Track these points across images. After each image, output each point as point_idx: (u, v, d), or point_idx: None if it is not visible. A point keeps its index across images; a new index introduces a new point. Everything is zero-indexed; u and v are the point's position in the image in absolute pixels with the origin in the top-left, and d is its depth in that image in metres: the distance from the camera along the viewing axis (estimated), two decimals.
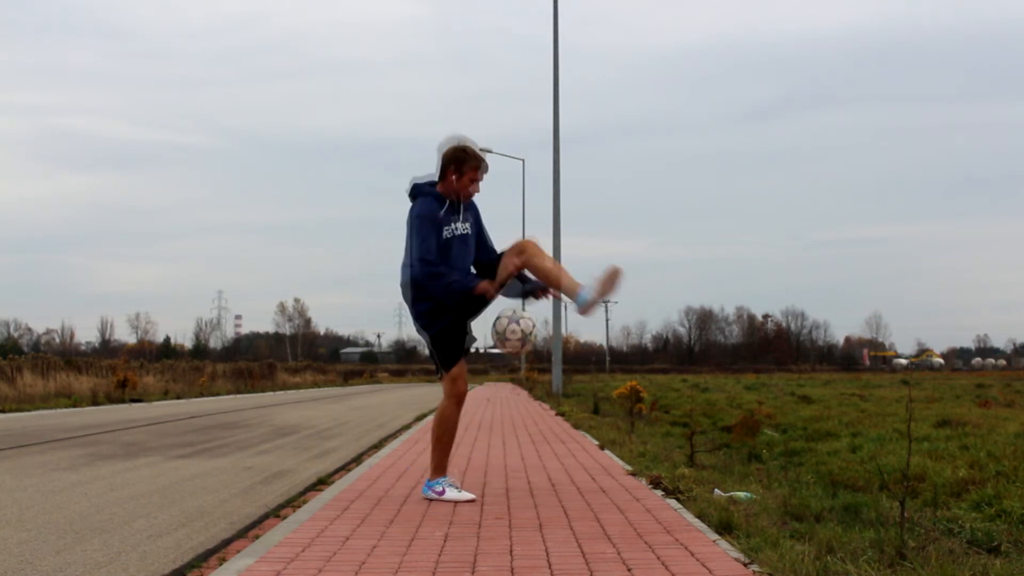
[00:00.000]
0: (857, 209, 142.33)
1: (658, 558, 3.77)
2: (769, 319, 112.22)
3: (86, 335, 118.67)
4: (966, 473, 7.71)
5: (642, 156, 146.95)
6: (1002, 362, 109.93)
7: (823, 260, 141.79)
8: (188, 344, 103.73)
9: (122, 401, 22.76)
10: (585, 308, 5.09)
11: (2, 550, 4.36)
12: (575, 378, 40.78)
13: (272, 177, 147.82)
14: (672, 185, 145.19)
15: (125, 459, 8.48)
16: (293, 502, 5.83)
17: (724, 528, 4.39)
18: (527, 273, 5.25)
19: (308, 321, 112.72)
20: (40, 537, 4.68)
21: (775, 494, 5.93)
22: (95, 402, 21.72)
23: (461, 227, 5.23)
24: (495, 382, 53.11)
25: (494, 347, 5.55)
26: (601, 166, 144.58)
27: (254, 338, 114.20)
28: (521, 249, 5.23)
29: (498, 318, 5.26)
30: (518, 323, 5.22)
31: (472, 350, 5.99)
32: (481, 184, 5.34)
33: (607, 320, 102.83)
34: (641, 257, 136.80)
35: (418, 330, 5.30)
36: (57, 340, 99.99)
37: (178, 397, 26.36)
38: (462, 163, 5.22)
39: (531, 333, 5.24)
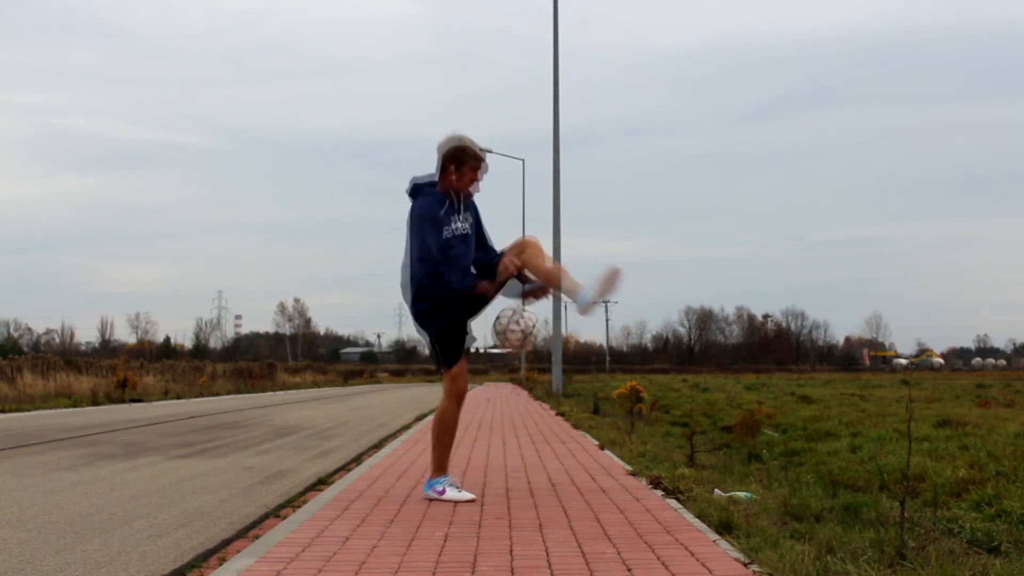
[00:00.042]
0: (857, 209, 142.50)
1: (658, 558, 3.77)
2: (769, 319, 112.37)
3: (86, 335, 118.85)
4: (966, 473, 7.71)
5: (642, 156, 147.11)
6: (1002, 362, 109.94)
7: (823, 260, 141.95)
8: (188, 344, 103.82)
9: (122, 401, 22.76)
10: (585, 308, 5.11)
11: (2, 550, 4.36)
12: (575, 378, 40.79)
13: (272, 177, 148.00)
14: (672, 185, 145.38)
15: (125, 459, 8.48)
16: (293, 502, 5.83)
17: (724, 528, 4.39)
18: (527, 273, 5.25)
19: (308, 321, 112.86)
20: (40, 537, 4.68)
21: (775, 494, 5.93)
22: (95, 402, 21.72)
23: (461, 226, 5.23)
24: (495, 382, 53.11)
25: (494, 347, 5.57)
26: (601, 166, 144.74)
27: (254, 338, 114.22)
28: (521, 249, 5.24)
29: (499, 316, 5.27)
30: (519, 320, 5.23)
31: (472, 350, 6.00)
32: (481, 184, 5.34)
33: (607, 320, 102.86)
34: (641, 257, 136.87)
35: (418, 329, 5.30)
36: (57, 340, 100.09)
37: (178, 397, 26.36)
38: (462, 160, 5.22)
39: (532, 331, 5.24)
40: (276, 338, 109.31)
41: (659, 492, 5.56)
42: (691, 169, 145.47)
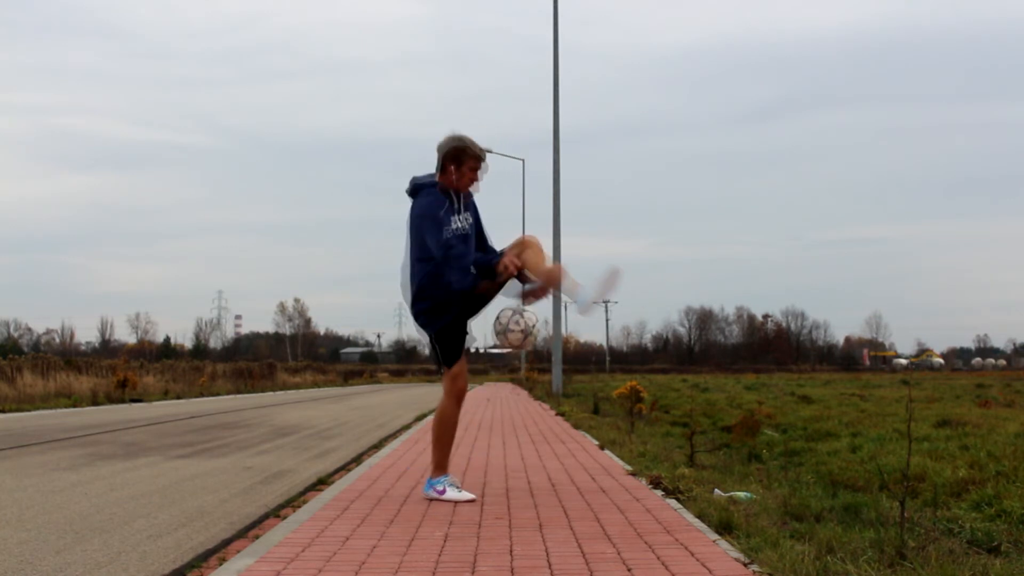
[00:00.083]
0: (857, 209, 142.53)
1: (658, 558, 3.77)
2: (769, 319, 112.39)
3: (86, 335, 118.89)
4: (966, 473, 7.71)
5: (642, 156, 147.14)
6: (1002, 362, 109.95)
7: (823, 260, 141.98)
8: (188, 344, 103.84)
9: (122, 401, 22.76)
10: (585, 308, 5.13)
11: (2, 550, 4.36)
12: (575, 378, 40.79)
13: (272, 177, 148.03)
14: (672, 185, 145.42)
15: (125, 459, 8.48)
16: (293, 502, 5.83)
17: (724, 528, 4.39)
18: (527, 273, 5.25)
19: (308, 321, 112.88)
20: (40, 537, 4.68)
21: (775, 494, 5.93)
22: (95, 402, 21.72)
23: (461, 226, 5.22)
24: (495, 382, 53.10)
25: (495, 346, 5.58)
26: (601, 166, 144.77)
27: (254, 338, 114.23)
28: (521, 248, 5.23)
29: (500, 315, 5.27)
30: (521, 318, 5.23)
31: (472, 350, 6.01)
32: (481, 184, 5.34)
33: (607, 320, 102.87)
34: (641, 257, 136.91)
35: (418, 329, 5.31)
36: (57, 340, 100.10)
37: (178, 397, 26.36)
38: (461, 159, 5.21)
39: (532, 330, 5.24)
40: (276, 338, 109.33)
41: (659, 492, 5.56)
42: (691, 169, 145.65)
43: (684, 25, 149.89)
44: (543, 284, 5.26)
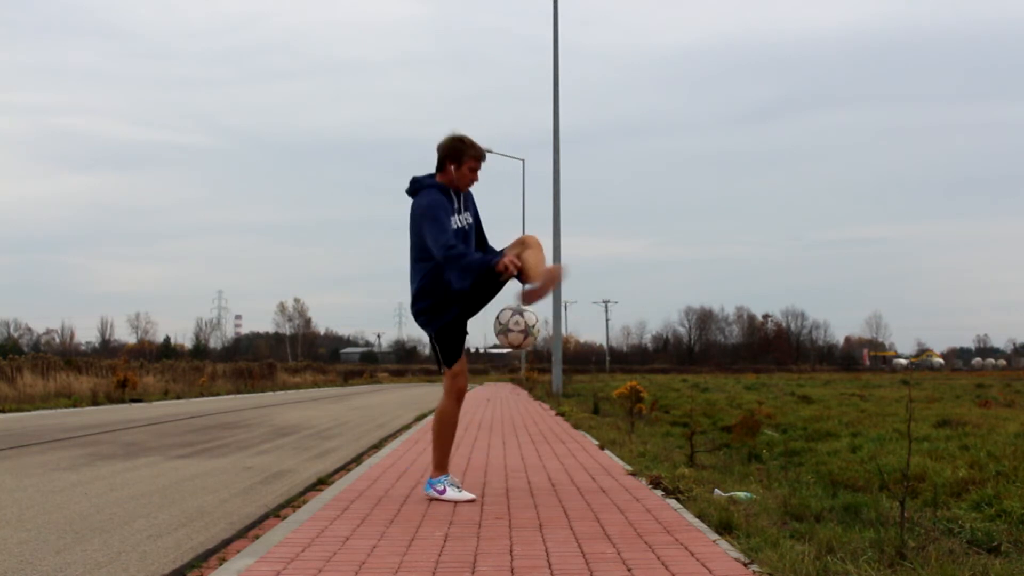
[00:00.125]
0: (857, 209, 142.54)
1: (658, 558, 3.77)
2: (769, 319, 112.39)
3: (86, 335, 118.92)
4: (966, 473, 7.71)
5: (642, 156, 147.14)
6: (1002, 362, 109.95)
7: (823, 260, 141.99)
8: (188, 344, 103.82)
9: (122, 401, 22.76)
10: (526, 297, 5.15)
11: (2, 550, 4.36)
12: (575, 378, 40.79)
13: (272, 177, 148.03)
14: (672, 185, 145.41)
15: (125, 459, 8.48)
16: (293, 502, 5.83)
17: (724, 528, 4.39)
18: (527, 272, 5.24)
19: (308, 321, 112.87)
20: (40, 537, 4.68)
21: (775, 494, 5.93)
22: (95, 402, 21.72)
23: (462, 225, 5.23)
24: (495, 382, 53.10)
25: (495, 346, 5.59)
26: (601, 166, 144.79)
27: (254, 338, 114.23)
28: (522, 248, 5.22)
29: (501, 313, 5.27)
30: (521, 317, 5.23)
31: (472, 350, 6.01)
32: (481, 183, 5.33)
33: (607, 320, 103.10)
34: (641, 257, 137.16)
35: (420, 327, 5.31)
36: (57, 340, 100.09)
37: (178, 397, 26.35)
38: (460, 154, 5.21)
39: (533, 329, 5.24)
40: (276, 338, 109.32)
41: (659, 492, 5.56)
42: (691, 169, 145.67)
43: (684, 25, 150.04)
44: (543, 284, 5.26)
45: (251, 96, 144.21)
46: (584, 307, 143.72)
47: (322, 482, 6.73)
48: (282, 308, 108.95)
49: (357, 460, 8.32)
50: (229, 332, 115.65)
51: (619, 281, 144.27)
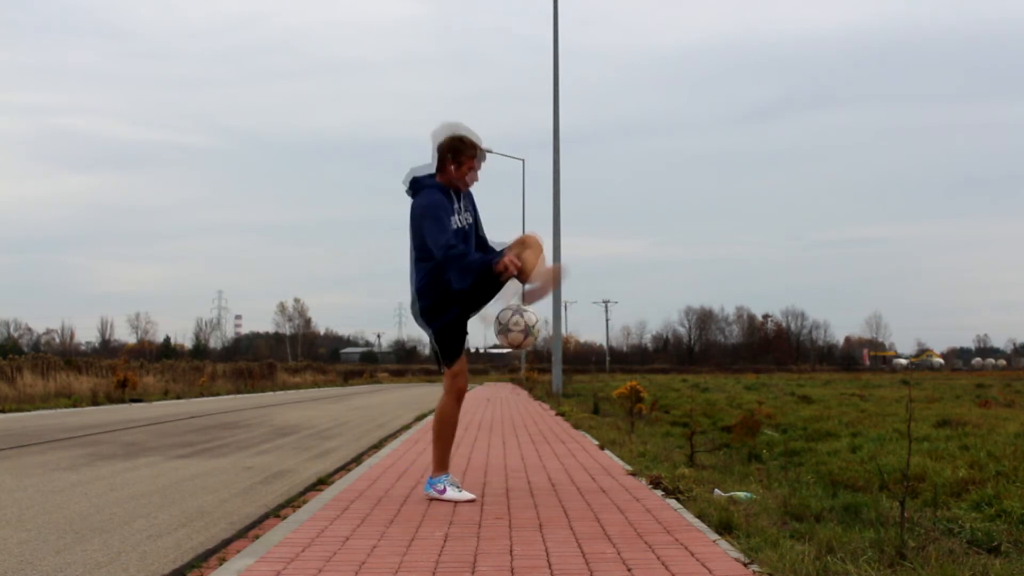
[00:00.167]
0: (857, 209, 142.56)
1: (658, 558, 3.77)
2: (769, 319, 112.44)
3: (86, 335, 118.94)
4: (966, 473, 7.71)
5: (642, 156, 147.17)
6: (1002, 362, 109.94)
7: (823, 260, 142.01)
8: (188, 344, 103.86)
9: (122, 401, 22.76)
10: (528, 296, 5.18)
11: (2, 550, 4.36)
12: (575, 378, 40.79)
13: (272, 177, 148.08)
14: (672, 185, 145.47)
15: (125, 459, 8.48)
16: (293, 502, 5.83)
17: (724, 528, 4.38)
18: (527, 272, 5.24)
19: (308, 321, 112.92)
20: (40, 537, 4.68)
21: (775, 494, 5.93)
22: (95, 402, 21.72)
23: (462, 224, 5.22)
24: (495, 382, 53.09)
25: (495, 346, 5.59)
26: (601, 166, 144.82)
27: (254, 338, 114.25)
28: (522, 248, 5.22)
29: (500, 312, 5.27)
30: (520, 317, 5.22)
31: (472, 350, 6.01)
32: (480, 177, 5.32)
33: (607, 320, 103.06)
34: (641, 257, 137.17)
35: (421, 326, 5.31)
36: (57, 340, 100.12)
37: (178, 397, 26.35)
38: (459, 153, 5.20)
39: (533, 329, 5.24)
40: (276, 338, 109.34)
41: (659, 492, 5.56)
42: (691, 169, 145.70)
43: (684, 25, 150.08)
44: (543, 284, 5.26)
45: (251, 96, 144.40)
46: (584, 307, 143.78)
47: (322, 482, 6.73)
48: (282, 308, 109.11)
49: (357, 460, 8.32)
50: (229, 332, 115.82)
51: (619, 281, 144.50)
